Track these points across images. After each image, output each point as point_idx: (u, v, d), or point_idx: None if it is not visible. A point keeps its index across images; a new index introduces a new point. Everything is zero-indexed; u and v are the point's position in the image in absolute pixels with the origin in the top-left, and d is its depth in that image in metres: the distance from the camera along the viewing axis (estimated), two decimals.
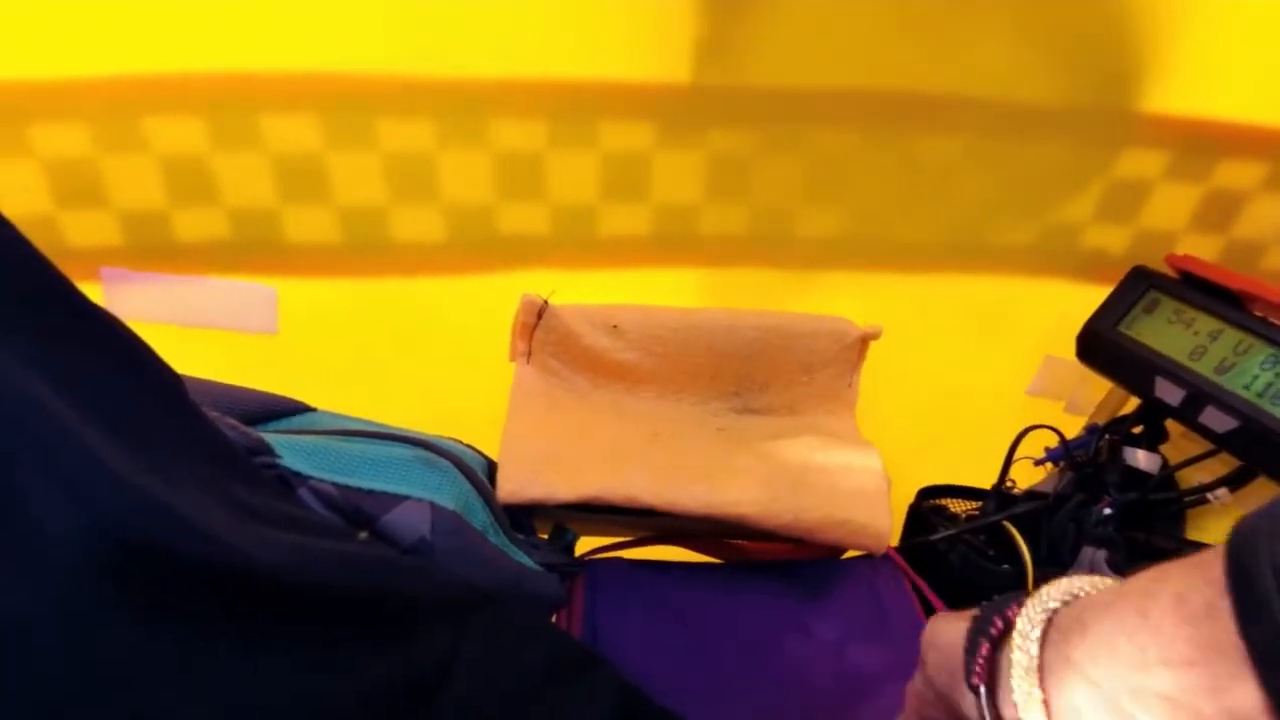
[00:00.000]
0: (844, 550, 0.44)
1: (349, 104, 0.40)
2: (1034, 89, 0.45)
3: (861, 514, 0.40)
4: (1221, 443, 0.39)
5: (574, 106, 0.42)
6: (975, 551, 0.44)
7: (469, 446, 0.38)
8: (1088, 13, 0.43)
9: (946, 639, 0.22)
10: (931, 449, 0.52)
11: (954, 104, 0.45)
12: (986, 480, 0.49)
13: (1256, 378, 0.38)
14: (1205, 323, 0.41)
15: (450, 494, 0.31)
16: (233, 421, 0.28)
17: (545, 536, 0.40)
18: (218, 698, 0.20)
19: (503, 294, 0.43)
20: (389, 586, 0.24)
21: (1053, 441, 0.48)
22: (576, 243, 0.46)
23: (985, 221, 0.50)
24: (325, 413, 0.36)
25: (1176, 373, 0.41)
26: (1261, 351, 0.39)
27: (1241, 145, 0.47)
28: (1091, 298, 0.47)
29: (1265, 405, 0.37)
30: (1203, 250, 0.50)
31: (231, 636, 0.20)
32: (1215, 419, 0.39)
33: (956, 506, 0.50)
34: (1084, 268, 0.51)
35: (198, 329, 0.44)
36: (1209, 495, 0.40)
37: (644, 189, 0.46)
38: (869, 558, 0.44)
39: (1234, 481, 0.40)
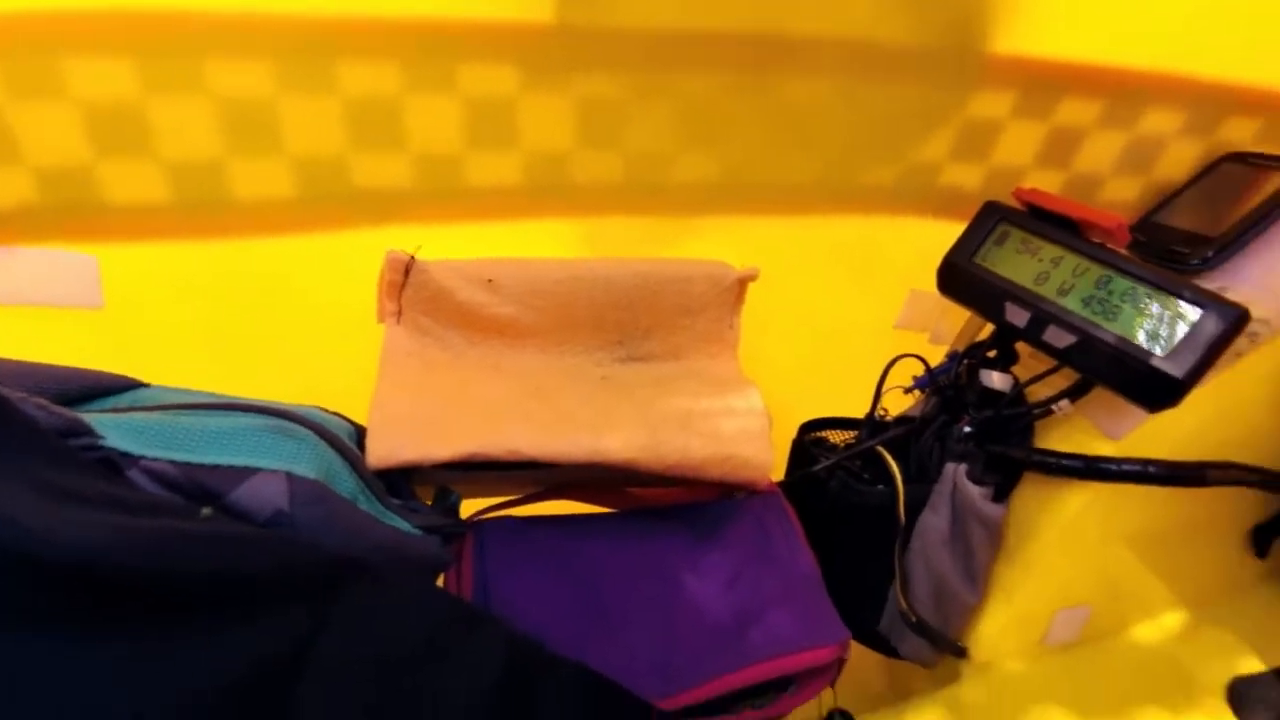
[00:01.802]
0: (732, 490, 0.45)
1: (171, 43, 0.36)
2: (891, 31, 0.46)
3: (745, 450, 0.41)
4: (1062, 358, 0.42)
5: (429, 47, 0.40)
6: (852, 476, 0.47)
7: (334, 413, 0.36)
8: None
9: None
10: (811, 384, 0.54)
11: (816, 45, 0.45)
12: (862, 410, 0.51)
13: (1091, 296, 0.41)
14: (1049, 250, 0.44)
15: (310, 463, 0.29)
16: (41, 401, 0.25)
17: (430, 502, 0.39)
18: (32, 698, 0.18)
19: (365, 252, 0.41)
20: (235, 564, 0.22)
21: (919, 370, 0.50)
22: (441, 195, 0.44)
23: (850, 163, 0.51)
24: (160, 387, 0.32)
25: (1023, 297, 0.44)
26: (1096, 273, 0.42)
27: (1081, 84, 0.50)
28: (949, 233, 0.50)
29: (1098, 320, 0.41)
30: (1047, 184, 0.54)
31: (43, 629, 0.18)
32: (1056, 336, 0.42)
33: (835, 437, 0.52)
34: (942, 205, 0.54)
35: (10, 306, 0.39)
36: (1053, 407, 0.43)
37: (511, 136, 0.44)
38: (756, 496, 0.45)
39: (1074, 393, 0.43)
